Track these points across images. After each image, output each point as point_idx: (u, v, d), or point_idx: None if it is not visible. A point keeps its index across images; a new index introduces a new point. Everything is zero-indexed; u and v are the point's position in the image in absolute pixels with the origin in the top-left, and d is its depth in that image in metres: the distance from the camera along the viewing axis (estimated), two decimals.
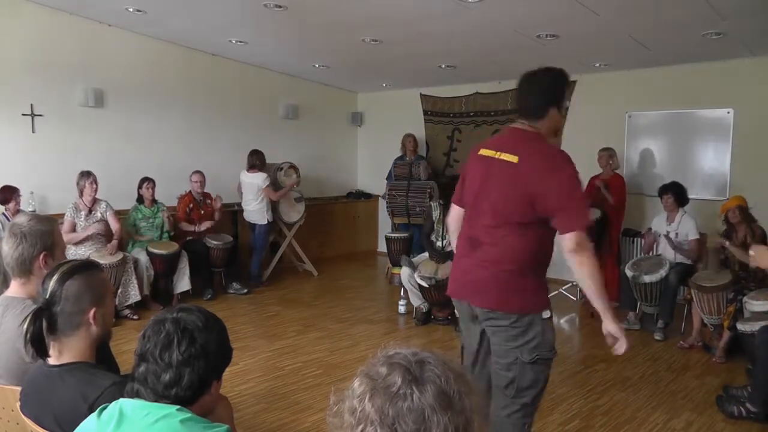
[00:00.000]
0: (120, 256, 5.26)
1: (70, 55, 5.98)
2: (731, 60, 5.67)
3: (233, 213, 7.05)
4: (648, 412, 3.61)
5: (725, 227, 4.91)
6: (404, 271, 5.40)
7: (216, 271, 6.35)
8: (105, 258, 5.09)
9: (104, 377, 1.57)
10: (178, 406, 1.29)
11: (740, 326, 4.04)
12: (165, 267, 5.70)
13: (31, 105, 5.77)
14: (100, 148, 6.21)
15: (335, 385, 3.54)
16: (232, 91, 7.40)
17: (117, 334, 2.53)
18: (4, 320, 1.91)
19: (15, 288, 2.01)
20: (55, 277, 1.61)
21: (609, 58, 6.02)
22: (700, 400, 3.80)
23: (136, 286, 5.39)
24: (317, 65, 7.30)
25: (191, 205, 6.27)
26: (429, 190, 7.03)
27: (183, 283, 5.83)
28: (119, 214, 5.65)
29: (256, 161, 6.64)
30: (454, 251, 2.57)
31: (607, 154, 5.89)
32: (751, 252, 2.61)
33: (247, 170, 6.67)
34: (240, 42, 6.39)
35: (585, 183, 6.07)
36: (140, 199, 5.88)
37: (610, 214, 5.80)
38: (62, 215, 5.32)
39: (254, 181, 6.57)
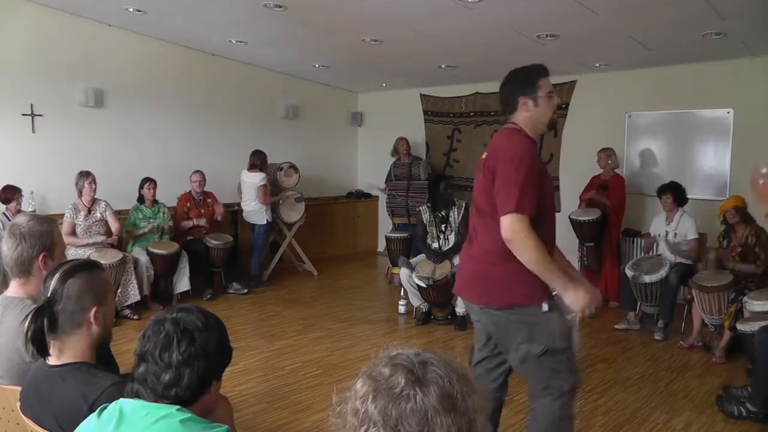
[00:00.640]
0: (120, 256, 5.26)
1: (70, 55, 5.98)
2: (731, 60, 5.66)
3: (233, 213, 7.05)
4: (648, 412, 3.61)
5: (724, 227, 4.91)
6: (403, 272, 5.40)
7: (216, 271, 6.35)
8: (105, 258, 5.09)
9: (104, 377, 1.57)
10: (178, 407, 1.29)
11: (740, 326, 4.04)
12: (165, 267, 5.70)
13: (31, 105, 5.76)
14: (100, 148, 6.21)
15: (335, 385, 3.54)
16: (232, 91, 7.40)
17: (117, 334, 2.53)
18: (4, 320, 1.91)
19: (14, 288, 2.01)
20: (56, 276, 1.61)
21: (609, 58, 6.02)
22: (700, 400, 3.80)
23: (136, 286, 5.39)
24: (317, 65, 7.30)
25: (188, 204, 6.27)
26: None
27: (183, 283, 5.83)
28: (119, 214, 5.65)
29: (257, 161, 6.65)
30: None
31: (606, 154, 5.89)
32: None
33: (248, 169, 6.68)
34: (240, 42, 6.39)
35: (585, 183, 6.10)
36: (141, 199, 5.88)
37: (610, 214, 5.80)
38: (62, 215, 5.32)
39: (253, 181, 6.57)
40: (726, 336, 4.40)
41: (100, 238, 5.36)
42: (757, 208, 4.80)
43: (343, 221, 8.68)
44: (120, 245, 5.56)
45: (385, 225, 8.35)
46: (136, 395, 1.32)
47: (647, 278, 4.98)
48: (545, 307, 2.26)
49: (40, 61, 5.79)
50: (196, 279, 5.94)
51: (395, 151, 7.47)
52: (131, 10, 5.50)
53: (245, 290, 6.40)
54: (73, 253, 5.09)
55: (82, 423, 1.35)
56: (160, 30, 6.25)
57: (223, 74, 7.25)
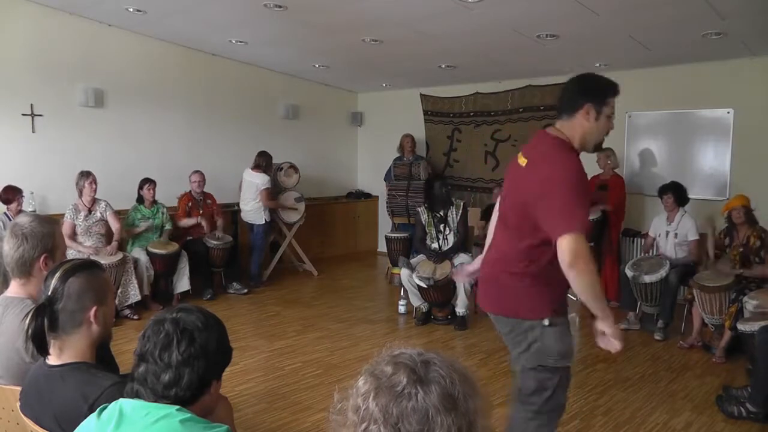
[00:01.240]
0: (120, 256, 5.26)
1: (70, 55, 5.98)
2: (731, 60, 5.67)
3: (233, 213, 7.05)
4: (648, 412, 3.61)
5: (726, 225, 4.91)
6: (404, 272, 5.40)
7: (216, 271, 6.35)
8: (105, 258, 5.09)
9: (104, 377, 1.57)
10: (177, 407, 1.29)
11: (740, 326, 4.04)
12: (165, 267, 5.70)
13: (31, 105, 5.76)
14: (100, 148, 6.21)
15: (335, 385, 3.53)
16: (232, 91, 7.40)
17: (117, 334, 2.53)
18: (4, 320, 1.91)
19: (15, 288, 2.01)
20: (57, 275, 1.61)
21: (609, 58, 6.01)
22: (700, 400, 3.80)
23: (136, 286, 5.39)
24: (317, 65, 7.30)
25: (190, 204, 6.27)
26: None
27: (183, 283, 5.83)
28: (119, 214, 5.65)
29: (262, 162, 6.65)
30: None
31: (605, 155, 5.89)
32: None
33: (252, 169, 6.67)
34: (240, 42, 6.39)
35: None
36: (140, 200, 5.88)
37: (610, 214, 5.80)
38: (63, 215, 5.32)
39: (255, 181, 6.57)
40: (726, 336, 4.40)
41: (100, 244, 5.36)
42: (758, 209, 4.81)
43: (343, 221, 8.68)
44: (120, 245, 5.55)
45: (385, 225, 8.35)
46: (136, 395, 1.32)
47: (647, 278, 4.98)
48: (546, 322, 2.25)
49: (40, 61, 5.78)
50: (196, 279, 5.94)
51: (401, 148, 7.49)
52: (131, 10, 5.50)
53: (245, 290, 6.40)
54: (73, 253, 5.09)
55: (82, 423, 1.35)
56: (160, 30, 6.25)
57: (223, 74, 7.25)
